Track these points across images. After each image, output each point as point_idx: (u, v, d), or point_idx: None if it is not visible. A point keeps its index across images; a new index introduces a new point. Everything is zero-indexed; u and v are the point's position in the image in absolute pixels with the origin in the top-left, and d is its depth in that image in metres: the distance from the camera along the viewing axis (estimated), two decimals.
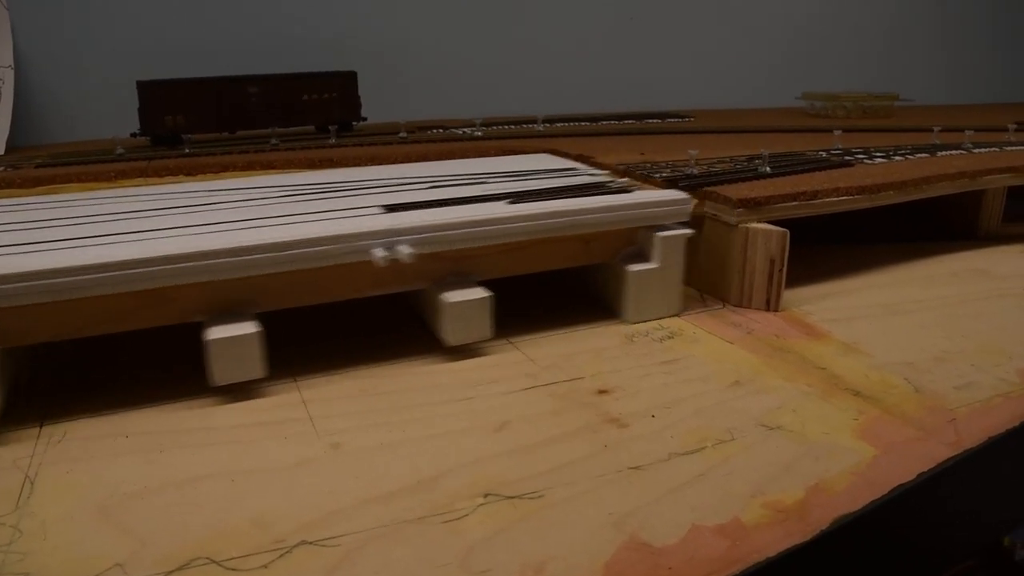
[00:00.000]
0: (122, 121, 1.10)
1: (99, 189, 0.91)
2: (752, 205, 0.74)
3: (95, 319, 0.55)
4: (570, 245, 0.68)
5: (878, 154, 0.97)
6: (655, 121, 1.35)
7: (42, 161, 1.01)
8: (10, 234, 0.61)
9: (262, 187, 0.77)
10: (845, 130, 1.24)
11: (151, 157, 1.01)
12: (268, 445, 0.51)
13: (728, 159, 0.92)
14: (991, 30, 2.03)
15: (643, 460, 0.49)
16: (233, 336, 0.55)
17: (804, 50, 1.77)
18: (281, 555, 0.41)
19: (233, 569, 0.40)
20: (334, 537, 0.42)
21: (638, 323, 0.71)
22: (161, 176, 0.94)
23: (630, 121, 1.34)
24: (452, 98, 1.47)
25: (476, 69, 1.50)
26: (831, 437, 0.52)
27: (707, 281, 0.79)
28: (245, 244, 0.56)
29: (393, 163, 0.98)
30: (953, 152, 1.00)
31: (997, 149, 1.04)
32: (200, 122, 1.10)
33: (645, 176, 0.84)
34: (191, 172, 0.95)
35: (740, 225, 0.74)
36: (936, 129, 1.07)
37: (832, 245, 0.95)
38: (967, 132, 1.06)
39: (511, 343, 0.68)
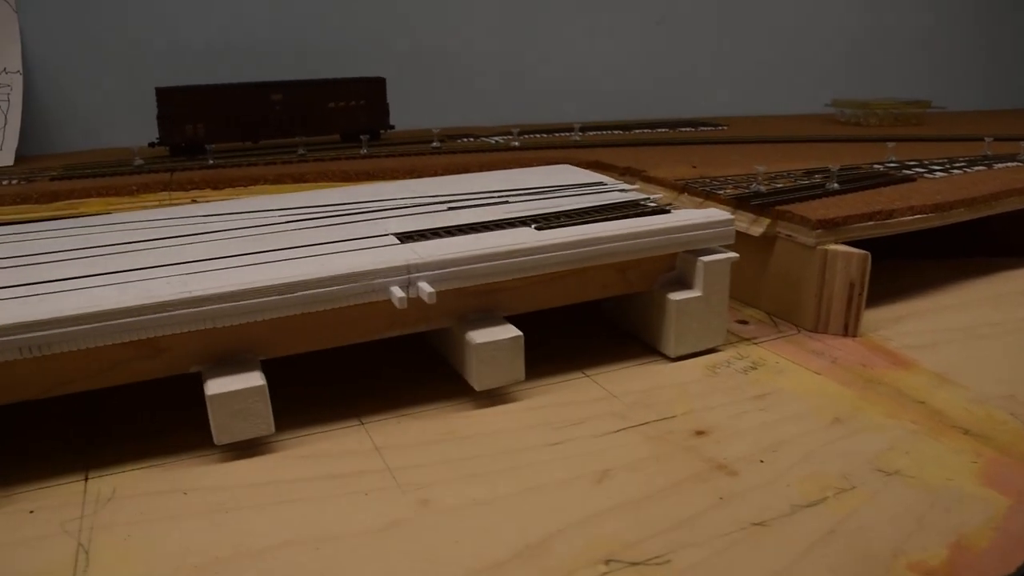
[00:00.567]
0: (137, 129, 1.05)
1: (119, 205, 0.86)
2: (830, 226, 0.70)
3: (82, 373, 0.49)
4: (605, 274, 0.63)
5: (936, 167, 0.94)
6: (688, 130, 1.31)
7: (58, 173, 0.95)
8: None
9: (277, 209, 0.71)
10: (881, 140, 1.20)
11: (173, 168, 0.96)
12: (349, 503, 0.46)
13: (786, 173, 0.88)
14: (1019, 34, 2.00)
15: (765, 514, 0.45)
16: (234, 391, 0.50)
17: (829, 56, 1.74)
18: None
19: None
20: None
21: (704, 353, 0.66)
22: (186, 190, 0.89)
23: (663, 130, 1.30)
24: (478, 104, 1.42)
25: (502, 74, 1.45)
26: (955, 483, 0.48)
27: (777, 304, 0.75)
28: (246, 287, 0.51)
29: (432, 175, 0.94)
30: (1009, 164, 0.97)
31: None
32: (221, 131, 1.04)
33: (708, 193, 0.80)
34: (217, 185, 0.90)
35: (819, 247, 0.69)
36: (988, 139, 1.04)
37: (890, 260, 0.92)
38: (1022, 145, 1.03)
39: (588, 376, 0.63)
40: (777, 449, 0.52)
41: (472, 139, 1.19)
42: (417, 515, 0.45)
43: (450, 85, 1.41)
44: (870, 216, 0.72)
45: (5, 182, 0.91)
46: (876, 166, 0.94)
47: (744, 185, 0.81)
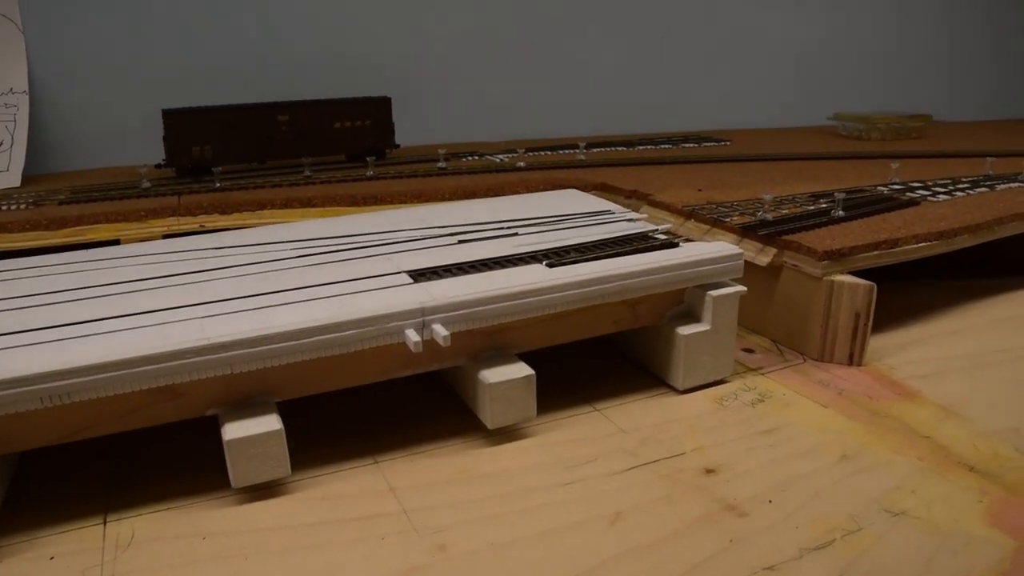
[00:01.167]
0: (143, 148, 1.05)
1: (127, 231, 0.86)
2: (836, 257, 0.70)
3: (98, 420, 0.50)
4: (616, 310, 0.64)
5: (939, 189, 0.95)
6: (692, 145, 1.32)
7: (66, 197, 0.95)
8: (8, 315, 0.55)
9: (288, 241, 0.72)
10: (883, 157, 1.21)
11: (180, 192, 0.96)
12: (366, 548, 0.47)
13: (791, 198, 0.89)
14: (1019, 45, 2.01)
15: (775, 558, 0.46)
16: (253, 435, 0.51)
17: (832, 68, 1.74)
18: None
19: None
20: None
21: (712, 385, 0.67)
22: (194, 215, 0.90)
23: (666, 145, 1.30)
24: (483, 119, 1.43)
25: (507, 88, 1.46)
26: (962, 525, 0.49)
27: (783, 332, 0.76)
28: (262, 333, 0.51)
29: (439, 199, 0.94)
30: (1012, 185, 0.97)
31: None
32: (228, 152, 1.05)
33: (715, 220, 0.81)
34: (224, 209, 0.90)
35: (825, 278, 0.70)
36: (990, 160, 1.05)
37: (891, 282, 0.93)
38: None
39: (597, 410, 0.64)
40: (786, 488, 0.53)
41: (478, 156, 1.20)
42: (436, 561, 0.46)
43: (455, 100, 1.41)
44: (875, 246, 0.73)
45: (14, 206, 0.91)
46: (880, 188, 0.95)
47: (750, 212, 0.82)
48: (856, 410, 0.63)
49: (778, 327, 0.76)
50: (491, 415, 0.58)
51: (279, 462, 0.52)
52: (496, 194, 0.96)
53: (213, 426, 0.53)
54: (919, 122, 1.37)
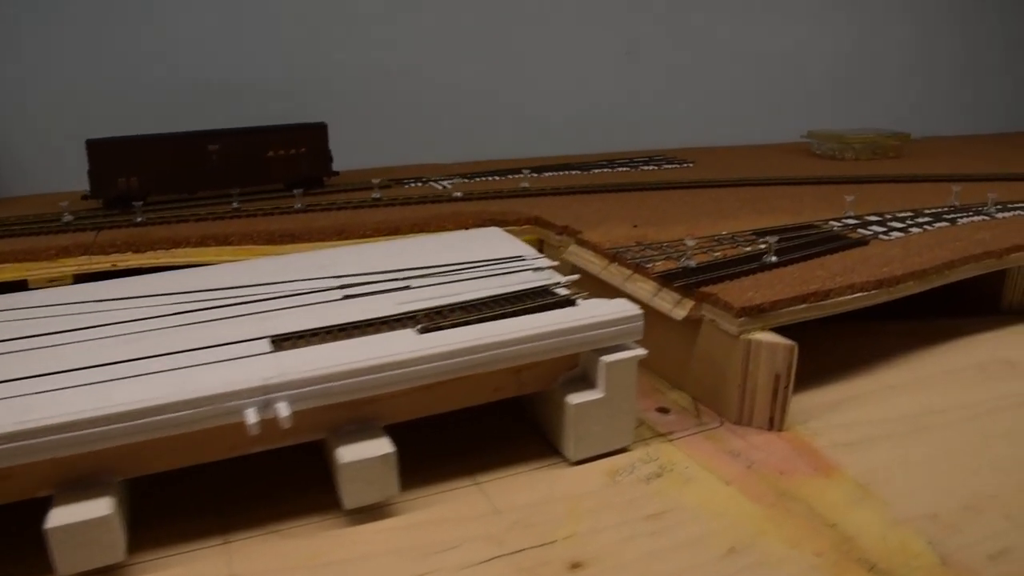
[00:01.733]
0: (77, 175, 1.02)
1: (36, 271, 0.83)
2: (756, 313, 0.65)
3: None
4: (496, 378, 0.59)
5: (895, 222, 0.88)
6: (652, 168, 1.26)
7: None
8: None
9: (166, 294, 0.68)
10: (851, 181, 1.14)
11: (101, 226, 0.93)
12: None
13: (730, 237, 0.83)
14: (1004, 57, 1.91)
15: None
16: (79, 522, 0.47)
17: (807, 82, 1.66)
18: None
19: None
20: None
21: (609, 455, 0.62)
22: (107, 253, 0.86)
23: (624, 169, 1.25)
24: (436, 138, 1.38)
25: (461, 107, 1.41)
26: None
27: (703, 390, 0.70)
28: (88, 416, 0.47)
29: (361, 235, 0.90)
30: (975, 219, 0.90)
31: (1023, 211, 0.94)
32: (156, 183, 1.01)
33: (636, 265, 0.75)
34: (139, 248, 0.87)
35: (742, 336, 0.65)
36: (956, 189, 0.97)
37: (838, 323, 0.86)
38: (990, 195, 0.96)
39: (477, 484, 0.59)
40: None
41: (422, 183, 1.15)
42: None
43: (408, 120, 1.37)
44: (803, 298, 0.67)
45: None
46: (833, 224, 0.88)
47: (675, 256, 0.76)
48: (762, 489, 0.58)
49: (698, 384, 0.71)
50: (346, 495, 0.53)
51: (111, 548, 0.48)
52: (422, 229, 0.92)
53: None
54: (897, 140, 1.30)
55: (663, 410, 0.70)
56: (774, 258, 0.74)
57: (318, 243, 0.88)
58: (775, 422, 0.65)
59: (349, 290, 0.68)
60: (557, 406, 0.61)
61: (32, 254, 0.84)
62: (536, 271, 0.71)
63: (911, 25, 1.74)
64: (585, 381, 0.61)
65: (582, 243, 0.85)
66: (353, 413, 0.55)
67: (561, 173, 1.21)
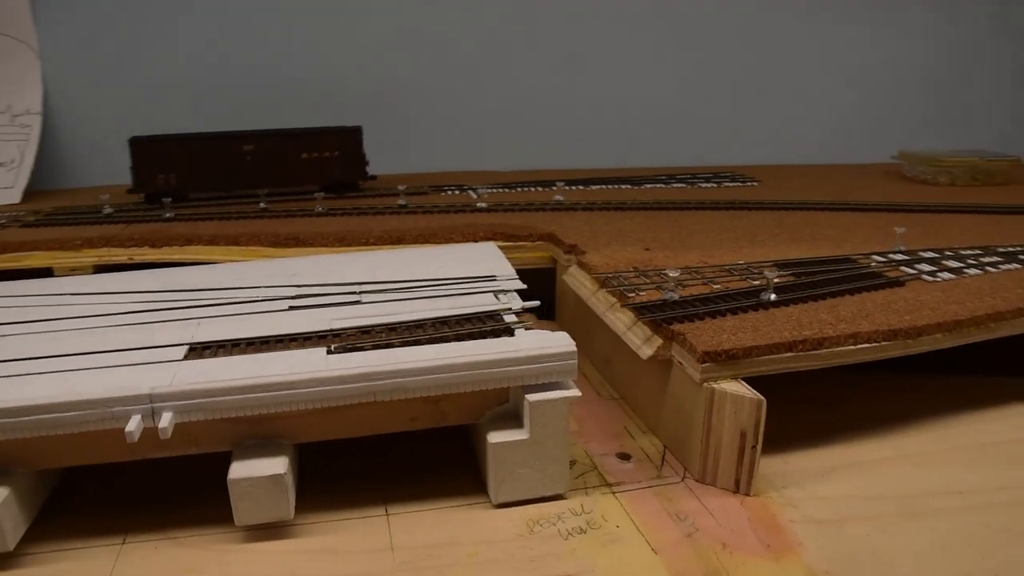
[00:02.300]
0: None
1: (61, 260, 0.88)
2: (724, 359, 0.57)
3: None
4: (411, 407, 0.55)
5: (952, 261, 0.76)
6: (709, 186, 1.17)
7: (35, 219, 0.99)
8: None
9: (127, 292, 0.69)
10: (935, 211, 1.00)
11: (133, 220, 0.97)
12: None
13: (745, 267, 0.74)
14: None
15: None
16: None
17: (901, 97, 1.48)
18: None
19: None
20: None
21: (540, 501, 0.56)
22: (127, 247, 0.90)
23: (680, 185, 1.16)
24: (487, 147, 1.35)
25: (514, 114, 1.37)
26: None
27: (672, 439, 0.63)
28: None
29: (363, 243, 0.89)
30: None
31: None
32: (193, 181, 1.05)
33: (620, 293, 0.69)
34: (156, 243, 0.90)
35: (705, 385, 0.57)
36: None
37: (852, 372, 0.76)
38: None
39: (387, 515, 0.56)
40: None
41: (460, 191, 1.13)
42: None
43: (460, 127, 1.35)
44: (789, 346, 0.59)
45: None
46: (874, 258, 0.77)
47: (667, 285, 0.69)
48: (691, 564, 0.50)
49: (669, 432, 0.64)
50: (236, 512, 0.52)
51: (10, 532, 0.50)
52: (427, 240, 0.89)
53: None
54: (1004, 165, 1.13)
55: (624, 456, 0.63)
56: (773, 296, 0.66)
57: (320, 248, 0.88)
58: (742, 485, 0.58)
59: (300, 301, 0.66)
60: (483, 443, 0.57)
61: (60, 244, 0.89)
62: (500, 293, 0.67)
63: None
64: (515, 419, 0.56)
65: (582, 265, 0.79)
66: (255, 429, 0.54)
67: (606, 187, 1.15)
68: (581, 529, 0.54)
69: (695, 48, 1.39)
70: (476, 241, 0.88)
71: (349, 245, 0.89)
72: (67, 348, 0.57)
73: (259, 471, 0.51)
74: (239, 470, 0.51)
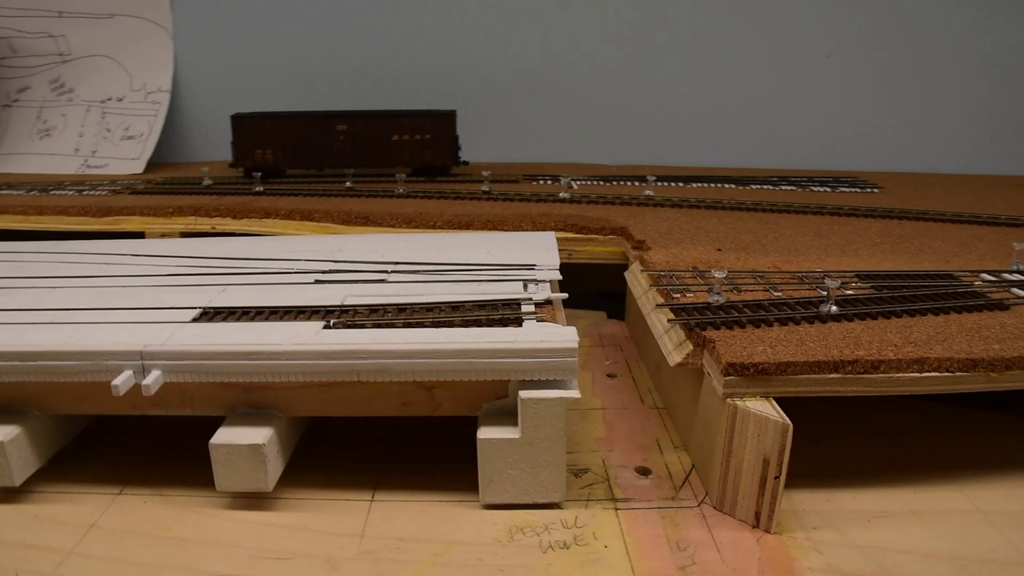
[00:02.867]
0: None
1: (153, 225, 0.94)
2: (752, 373, 0.51)
3: None
4: (402, 391, 0.53)
5: None
6: (822, 190, 1.06)
7: (144, 187, 1.07)
8: None
9: (180, 256, 0.73)
10: None
11: (224, 192, 1.03)
12: None
13: (821, 276, 0.66)
14: None
15: None
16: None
17: None
18: None
19: None
20: None
21: (531, 507, 0.53)
22: (211, 216, 0.95)
23: (790, 188, 1.06)
24: (599, 139, 1.30)
25: (629, 108, 1.30)
26: None
27: (700, 457, 0.57)
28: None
29: (430, 226, 0.88)
30: None
31: None
32: (288, 158, 1.10)
33: (667, 292, 0.64)
34: (237, 215, 0.94)
35: (728, 400, 0.51)
36: None
37: (928, 401, 0.66)
38: None
39: (372, 501, 0.54)
40: None
41: (549, 181, 1.10)
42: None
43: (572, 117, 1.31)
44: (835, 365, 0.51)
45: (97, 191, 1.05)
46: (983, 276, 0.66)
47: (730, 288, 0.63)
48: None
49: (698, 450, 0.58)
50: (217, 477, 0.52)
51: (16, 469, 0.53)
52: (495, 226, 0.87)
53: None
54: None
55: (644, 471, 0.58)
56: (833, 308, 0.58)
57: (387, 228, 0.89)
58: (761, 519, 0.51)
59: (328, 276, 0.66)
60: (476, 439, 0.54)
61: (154, 210, 0.96)
62: (530, 283, 0.63)
63: None
64: (512, 417, 0.53)
65: (642, 261, 0.74)
66: (248, 397, 0.54)
67: (707, 185, 1.08)
68: (565, 544, 0.50)
69: (822, 42, 1.26)
70: (543, 230, 0.85)
71: (417, 227, 0.89)
72: (99, 303, 0.61)
73: (239, 439, 0.51)
74: (222, 436, 0.52)
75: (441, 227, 0.88)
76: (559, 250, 0.85)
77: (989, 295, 0.62)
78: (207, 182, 1.06)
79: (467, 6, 1.27)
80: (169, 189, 1.05)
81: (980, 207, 0.96)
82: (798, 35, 1.27)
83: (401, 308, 0.58)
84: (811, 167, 1.27)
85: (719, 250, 0.75)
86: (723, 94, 1.30)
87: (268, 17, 1.27)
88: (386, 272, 0.67)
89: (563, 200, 0.97)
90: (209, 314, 0.58)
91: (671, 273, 0.68)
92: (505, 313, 0.57)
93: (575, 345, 0.51)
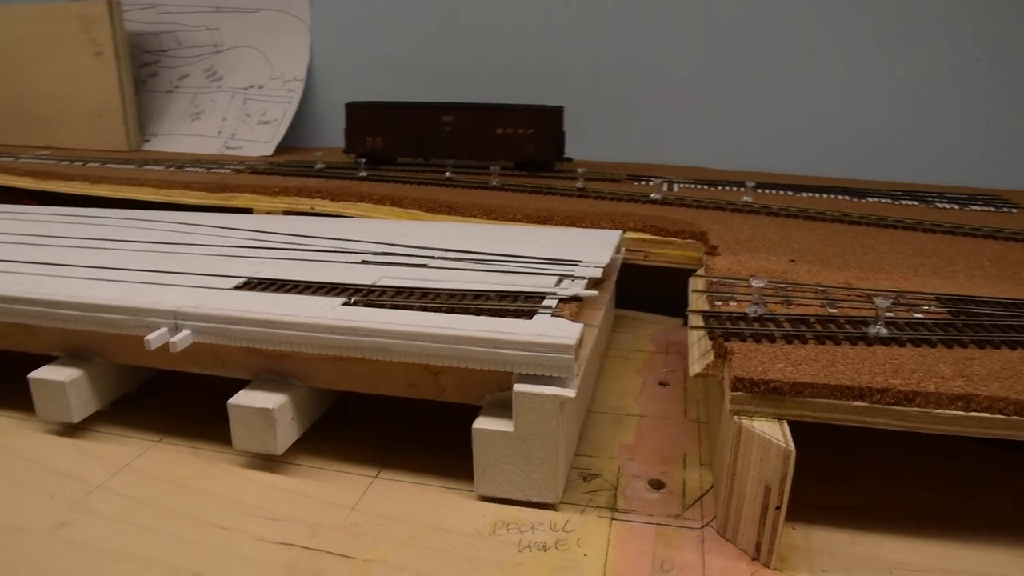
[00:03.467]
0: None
1: (261, 203, 1.02)
2: (762, 391, 0.47)
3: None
4: (410, 373, 0.55)
5: None
6: (947, 207, 0.95)
7: (264, 168, 1.15)
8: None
9: (255, 231, 0.79)
10: None
11: (331, 176, 1.09)
12: (22, 493, 0.51)
13: (879, 294, 0.60)
14: None
15: None
16: (50, 379, 0.59)
17: None
18: None
19: None
20: None
21: (525, 505, 0.53)
22: (312, 197, 1.01)
23: (910, 203, 0.96)
24: (710, 142, 1.24)
25: (742, 112, 1.24)
26: None
27: (716, 476, 0.54)
28: (57, 299, 0.59)
29: (510, 219, 0.89)
30: None
31: None
32: (396, 146, 1.14)
33: (711, 299, 0.60)
34: (335, 198, 0.99)
35: (735, 417, 0.48)
36: None
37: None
38: None
39: (375, 477, 0.56)
40: None
41: (647, 182, 1.07)
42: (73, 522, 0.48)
43: (685, 118, 1.26)
44: (861, 392, 0.47)
45: (222, 170, 1.15)
46: None
47: (780, 300, 0.59)
48: None
49: (715, 469, 0.54)
50: (233, 436, 0.56)
51: (79, 407, 0.61)
52: (573, 223, 0.86)
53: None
54: None
55: (657, 484, 0.55)
56: (882, 330, 0.52)
57: (468, 218, 0.90)
58: (761, 551, 0.47)
59: (375, 257, 0.69)
60: None
61: (263, 189, 1.03)
62: (565, 278, 0.62)
63: None
64: (511, 410, 0.53)
65: (706, 267, 0.71)
66: (271, 364, 0.58)
67: (816, 195, 1.01)
68: (544, 546, 0.49)
69: (969, 46, 1.13)
70: (623, 229, 0.84)
71: (497, 219, 0.90)
72: (162, 266, 0.67)
73: (253, 402, 0.55)
74: (240, 397, 0.56)
75: (520, 220, 0.88)
76: (636, 252, 0.84)
77: None
78: (319, 166, 1.13)
79: (585, 5, 1.26)
80: (283, 171, 1.13)
81: None
82: (936, 37, 1.15)
83: (425, 292, 0.60)
84: (945, 182, 1.15)
85: (792, 261, 0.70)
86: (848, 102, 1.20)
87: (392, 10, 1.33)
88: (431, 258, 0.68)
89: (653, 201, 0.94)
90: (251, 284, 0.62)
91: (726, 280, 0.65)
92: (522, 305, 0.56)
93: (572, 343, 0.50)
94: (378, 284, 0.61)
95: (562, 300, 0.58)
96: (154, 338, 0.55)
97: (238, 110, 1.34)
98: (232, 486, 0.55)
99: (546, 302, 0.57)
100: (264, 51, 1.37)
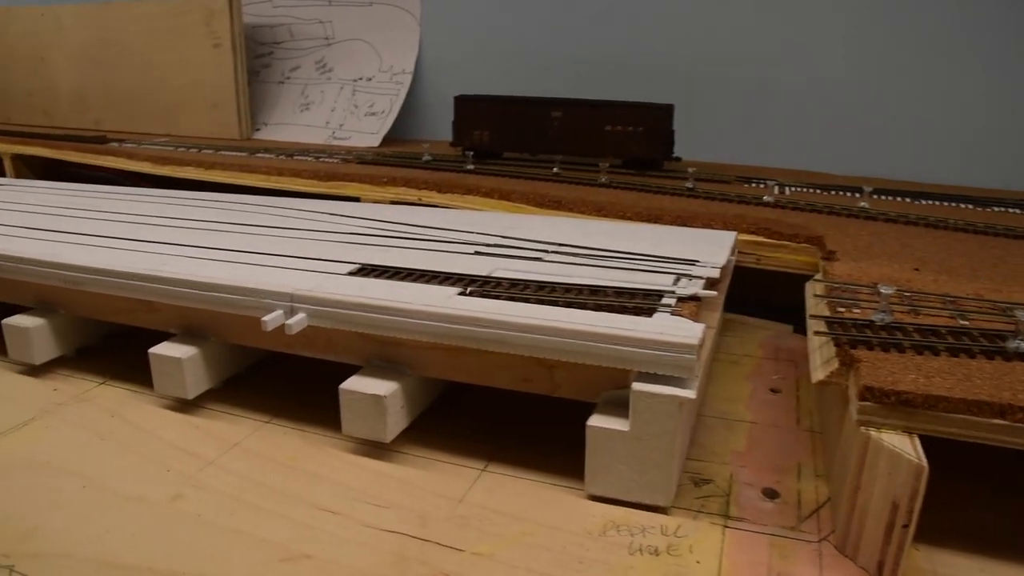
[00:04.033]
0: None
1: (369, 192, 1.04)
2: (892, 402, 0.46)
3: (108, 310, 0.69)
4: (523, 365, 0.55)
5: None
6: None
7: (371, 158, 1.18)
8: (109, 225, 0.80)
9: (359, 218, 0.82)
10: None
11: (438, 168, 1.11)
12: (134, 461, 0.55)
13: (1016, 307, 0.57)
14: None
15: None
16: (168, 355, 0.63)
17: None
18: None
19: None
20: None
21: (637, 507, 0.52)
22: (419, 188, 1.03)
23: (1017, 211, 0.91)
24: (821, 144, 1.20)
25: (869, 121, 1.19)
26: None
27: (835, 488, 0.52)
28: (179, 277, 0.63)
29: (617, 216, 0.88)
30: None
31: None
32: (504, 140, 1.15)
33: (832, 305, 0.59)
34: (442, 190, 1.01)
35: (862, 429, 0.46)
36: None
37: None
38: None
39: (483, 471, 0.57)
40: None
41: (760, 184, 1.04)
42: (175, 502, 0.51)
43: (796, 123, 1.22)
44: (1001, 409, 0.44)
45: (331, 160, 1.18)
46: None
47: (905, 308, 0.56)
48: None
49: (834, 480, 0.53)
50: (343, 420, 0.58)
51: (193, 382, 0.64)
52: (684, 222, 0.85)
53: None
54: None
55: (771, 494, 0.54)
56: (1020, 345, 0.49)
57: (576, 214, 0.91)
58: (884, 571, 0.46)
59: (489, 249, 0.70)
60: None
61: (370, 179, 1.06)
62: (682, 277, 0.62)
63: None
64: (628, 409, 0.52)
65: (825, 272, 0.68)
66: (382, 350, 0.60)
67: (936, 203, 0.96)
68: (655, 551, 0.49)
69: None
70: (735, 231, 0.82)
71: (606, 215, 0.90)
72: (280, 250, 0.70)
73: (365, 388, 0.57)
74: (352, 383, 0.58)
75: (630, 218, 0.88)
76: (748, 254, 0.82)
77: None
78: (426, 158, 1.15)
79: (699, 3, 1.24)
80: (391, 161, 1.16)
81: None
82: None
83: (541, 285, 0.60)
84: None
85: (916, 269, 0.68)
86: (974, 107, 1.14)
87: (501, 4, 1.34)
88: (545, 252, 0.69)
89: (765, 204, 0.92)
90: (366, 270, 0.64)
91: (848, 286, 0.63)
92: (640, 303, 0.56)
93: (695, 342, 0.49)
94: (493, 275, 0.62)
95: (680, 299, 0.58)
96: (270, 319, 0.58)
97: (346, 101, 1.39)
98: (340, 471, 0.57)
99: (665, 300, 0.57)
100: (374, 44, 1.40)
